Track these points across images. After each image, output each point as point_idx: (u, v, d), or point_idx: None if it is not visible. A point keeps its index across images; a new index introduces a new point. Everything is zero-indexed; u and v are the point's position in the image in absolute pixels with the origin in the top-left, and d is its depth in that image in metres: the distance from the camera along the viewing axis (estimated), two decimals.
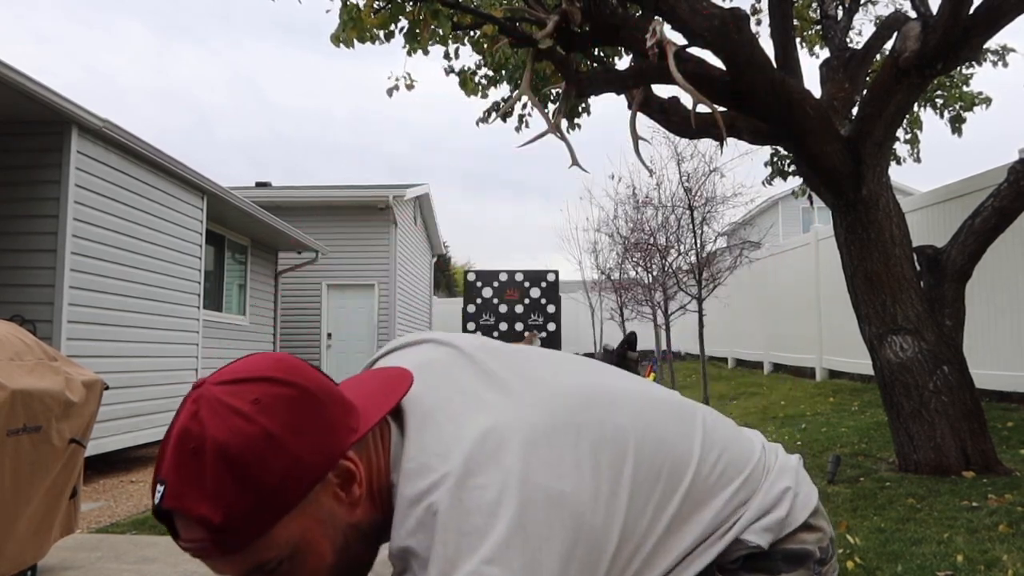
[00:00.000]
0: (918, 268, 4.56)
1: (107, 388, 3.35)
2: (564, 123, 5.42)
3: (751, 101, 4.28)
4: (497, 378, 0.94)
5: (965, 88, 7.49)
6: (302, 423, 0.81)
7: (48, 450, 2.91)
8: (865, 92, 4.98)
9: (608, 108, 43.38)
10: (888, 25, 5.39)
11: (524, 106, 7.33)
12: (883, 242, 4.47)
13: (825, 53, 5.96)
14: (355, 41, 5.36)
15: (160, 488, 0.78)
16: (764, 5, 7.02)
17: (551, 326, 16.83)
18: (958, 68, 7.13)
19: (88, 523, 4.57)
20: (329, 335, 13.94)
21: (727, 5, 4.57)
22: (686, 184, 10.40)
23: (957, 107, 7.49)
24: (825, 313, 9.39)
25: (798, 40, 6.59)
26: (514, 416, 0.88)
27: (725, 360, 14.31)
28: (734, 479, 1.00)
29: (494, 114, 7.18)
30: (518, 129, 7.38)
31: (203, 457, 0.76)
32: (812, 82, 9.12)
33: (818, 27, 7.11)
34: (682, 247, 11.48)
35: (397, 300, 14.23)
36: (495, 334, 16.63)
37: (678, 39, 4.26)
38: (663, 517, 0.93)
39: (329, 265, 13.51)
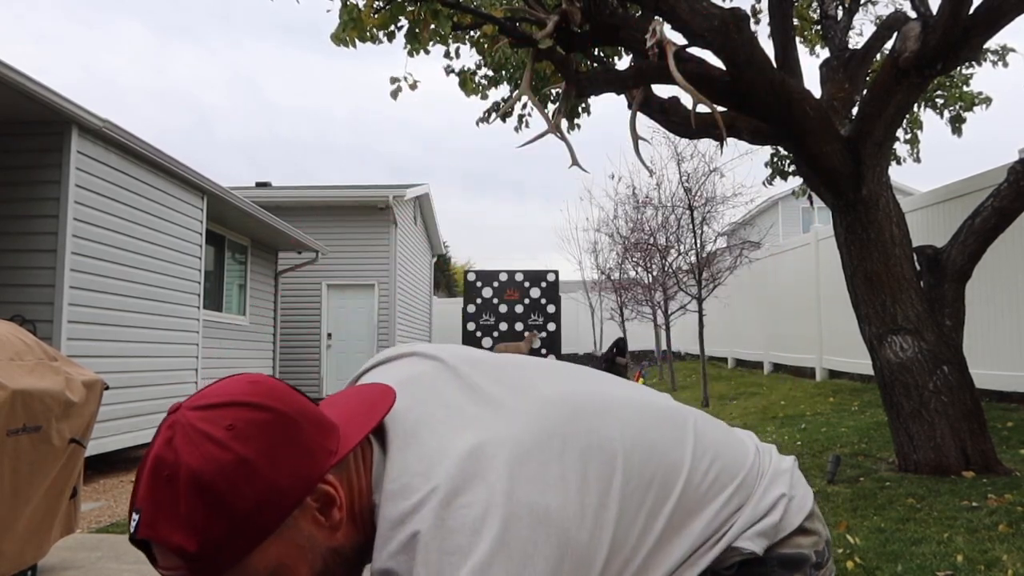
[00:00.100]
0: (918, 268, 4.56)
1: (107, 388, 3.35)
2: (564, 123, 5.42)
3: (751, 101, 4.29)
4: (482, 392, 0.93)
5: (965, 88, 7.49)
6: (278, 448, 0.80)
7: (48, 450, 2.91)
8: (865, 92, 4.98)
9: (608, 108, 43.41)
10: (888, 25, 5.39)
11: (524, 106, 7.34)
12: (883, 242, 4.47)
13: (825, 53, 5.95)
14: (356, 41, 5.36)
15: (135, 516, 0.78)
16: (764, 5, 7.02)
17: (551, 326, 16.83)
18: (958, 68, 7.13)
19: (88, 523, 4.57)
20: (329, 335, 13.94)
21: (727, 5, 4.58)
22: (686, 184, 10.41)
23: (957, 107, 7.49)
24: (825, 313, 9.39)
25: (798, 40, 6.59)
26: (499, 431, 0.86)
27: (725, 360, 14.31)
28: (727, 486, 0.98)
29: (494, 114, 7.18)
30: (518, 129, 7.39)
31: (177, 485, 0.76)
32: (812, 82, 9.13)
33: (818, 27, 7.11)
34: (682, 247, 11.50)
35: (397, 300, 14.23)
36: (495, 334, 16.64)
37: (678, 39, 4.27)
38: (654, 527, 0.91)
39: (329, 265, 13.51)
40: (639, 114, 4.88)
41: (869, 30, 7.90)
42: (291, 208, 13.82)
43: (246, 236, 10.67)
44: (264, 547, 0.79)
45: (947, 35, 4.15)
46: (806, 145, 4.47)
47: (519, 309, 16.88)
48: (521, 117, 7.36)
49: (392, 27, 5.53)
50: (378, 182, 24.04)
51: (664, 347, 13.97)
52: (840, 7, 5.86)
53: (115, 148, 6.54)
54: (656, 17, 4.31)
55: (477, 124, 7.23)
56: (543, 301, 16.93)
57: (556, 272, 17.08)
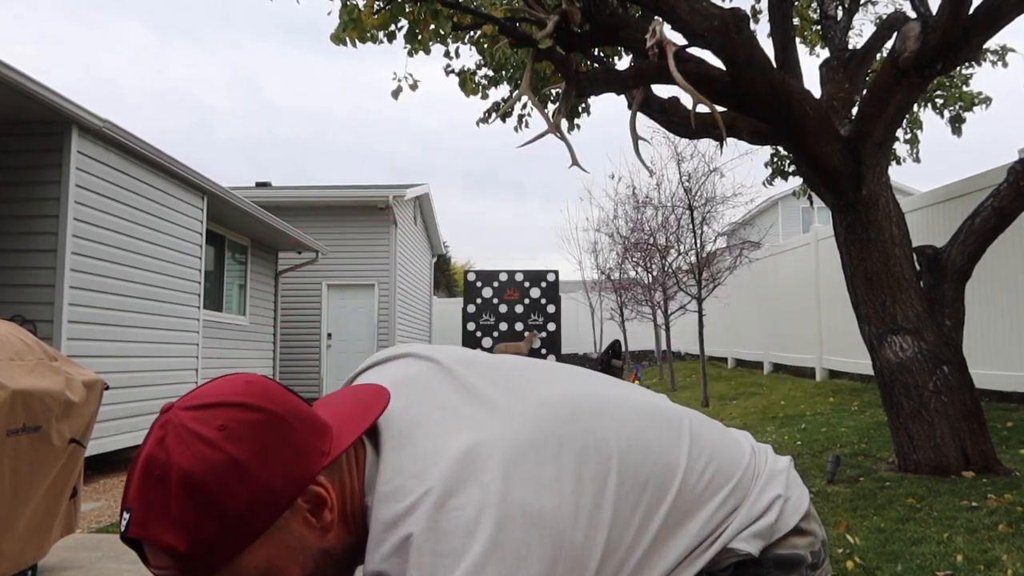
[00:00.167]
0: (918, 268, 4.56)
1: (107, 388, 3.35)
2: (564, 123, 5.42)
3: (751, 101, 4.29)
4: (478, 393, 0.92)
5: (965, 88, 7.49)
6: (269, 449, 0.80)
7: (48, 450, 2.91)
8: (865, 92, 4.98)
9: (608, 108, 43.41)
10: (888, 25, 5.39)
11: (524, 106, 7.34)
12: (883, 242, 4.47)
13: (825, 53, 5.96)
14: (356, 41, 5.36)
15: (126, 515, 0.78)
16: (764, 5, 7.02)
17: (551, 326, 16.83)
18: (958, 68, 7.14)
19: (88, 523, 4.57)
20: (329, 335, 13.94)
21: (727, 5, 4.58)
22: (686, 184, 10.41)
23: (957, 107, 7.49)
24: (825, 313, 9.39)
25: (798, 40, 6.59)
26: (494, 432, 0.86)
27: (725, 360, 14.31)
28: (723, 487, 0.98)
29: (494, 114, 7.18)
30: (518, 129, 7.39)
31: (168, 485, 0.76)
32: (812, 82, 9.13)
33: (818, 27, 7.11)
34: (682, 247, 11.50)
35: (397, 300, 14.24)
36: (495, 334, 16.64)
37: (678, 39, 4.27)
38: (650, 528, 0.91)
39: (329, 265, 13.51)
40: (639, 114, 4.88)
41: (869, 30, 7.91)
42: (291, 208, 13.82)
43: (246, 236, 10.67)
44: (255, 548, 0.79)
45: (947, 35, 4.15)
46: (806, 145, 4.47)
47: (519, 309, 16.88)
48: (521, 117, 7.36)
49: (392, 27, 5.53)
50: (378, 182, 24.05)
51: (664, 347, 13.97)
52: (840, 7, 5.86)
53: (115, 148, 6.54)
54: (656, 17, 4.31)
55: (477, 124, 7.24)
56: (543, 301, 16.93)
57: (556, 272, 17.08)
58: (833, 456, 4.56)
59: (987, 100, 7.48)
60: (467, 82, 6.76)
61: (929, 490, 3.90)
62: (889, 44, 5.16)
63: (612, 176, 26.39)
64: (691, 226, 10.38)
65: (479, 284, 16.97)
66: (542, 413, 0.91)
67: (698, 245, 10.31)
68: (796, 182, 8.91)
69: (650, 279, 13.04)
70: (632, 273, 14.53)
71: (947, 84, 7.45)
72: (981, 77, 38.36)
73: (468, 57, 31.13)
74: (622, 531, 0.88)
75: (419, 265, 17.10)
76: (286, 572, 0.82)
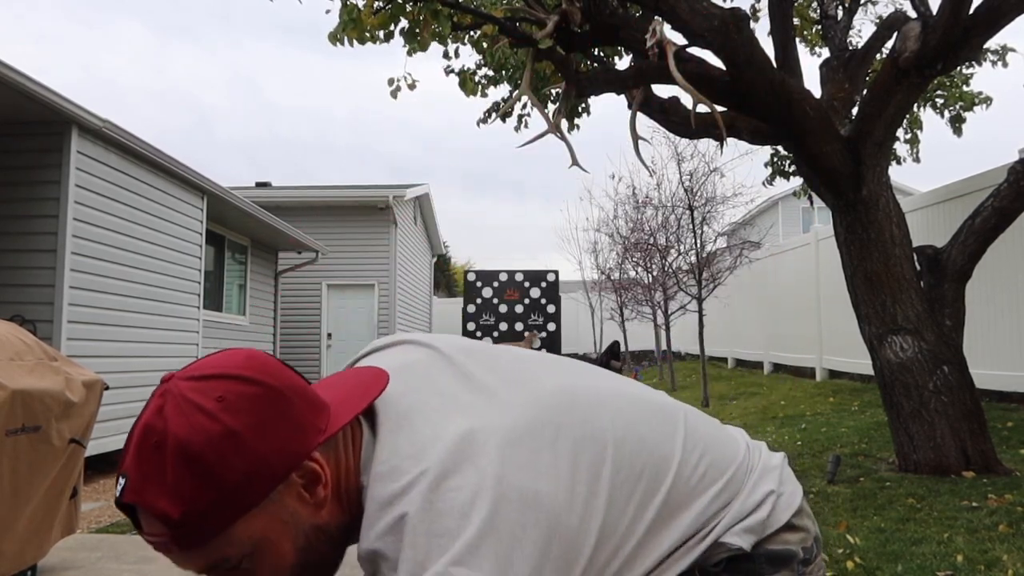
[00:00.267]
0: (918, 268, 4.56)
1: (107, 388, 3.35)
2: (564, 123, 5.42)
3: (751, 101, 4.29)
4: (476, 380, 0.93)
5: (965, 88, 7.49)
6: (267, 423, 0.80)
7: (48, 450, 2.91)
8: (865, 92, 4.98)
9: (608, 108, 43.41)
10: (888, 25, 5.39)
11: (524, 106, 7.33)
12: (883, 242, 4.47)
13: (825, 53, 5.96)
14: (355, 41, 5.35)
15: (122, 481, 0.79)
16: (764, 5, 7.01)
17: (551, 326, 16.83)
18: (958, 68, 7.13)
19: (88, 523, 4.57)
20: (329, 335, 13.94)
21: (727, 5, 4.58)
22: (686, 184, 10.40)
23: (957, 107, 7.49)
24: (825, 313, 9.39)
25: (798, 40, 6.59)
26: (492, 419, 0.87)
27: (725, 360, 14.31)
28: (716, 480, 0.98)
29: (494, 114, 7.18)
30: (518, 129, 7.38)
31: (164, 453, 0.77)
32: (812, 82, 9.13)
33: (818, 27, 7.11)
34: (682, 247, 11.50)
35: (397, 300, 14.24)
36: (495, 334, 16.64)
37: (678, 39, 4.27)
38: (644, 518, 0.92)
39: (329, 265, 13.52)
40: (639, 114, 4.88)
41: (869, 30, 7.91)
42: (291, 208, 13.83)
43: (246, 236, 10.67)
44: (248, 519, 0.80)
45: (947, 35, 4.15)
46: (806, 145, 4.47)
47: (519, 309, 16.88)
48: (521, 117, 7.35)
49: (392, 27, 5.53)
50: (378, 182, 24.06)
51: (664, 347, 13.97)
52: (840, 7, 5.86)
53: (115, 148, 6.54)
54: (656, 17, 4.31)
55: (477, 124, 7.24)
56: (543, 301, 16.93)
57: (556, 272, 17.08)
58: (833, 456, 4.56)
59: (987, 100, 7.48)
60: (467, 82, 6.75)
61: (929, 490, 3.90)
62: (889, 44, 5.16)
63: (612, 176, 26.43)
64: (691, 226, 10.38)
65: (479, 284, 16.98)
66: (540, 402, 0.91)
67: (698, 245, 10.30)
68: (796, 182, 8.91)
69: (650, 279, 13.04)
70: (632, 273, 14.53)
71: (947, 84, 7.45)
72: (981, 77, 38.35)
73: (468, 57, 31.17)
74: (617, 519, 0.89)
75: (419, 265, 17.10)
76: (278, 545, 0.83)
